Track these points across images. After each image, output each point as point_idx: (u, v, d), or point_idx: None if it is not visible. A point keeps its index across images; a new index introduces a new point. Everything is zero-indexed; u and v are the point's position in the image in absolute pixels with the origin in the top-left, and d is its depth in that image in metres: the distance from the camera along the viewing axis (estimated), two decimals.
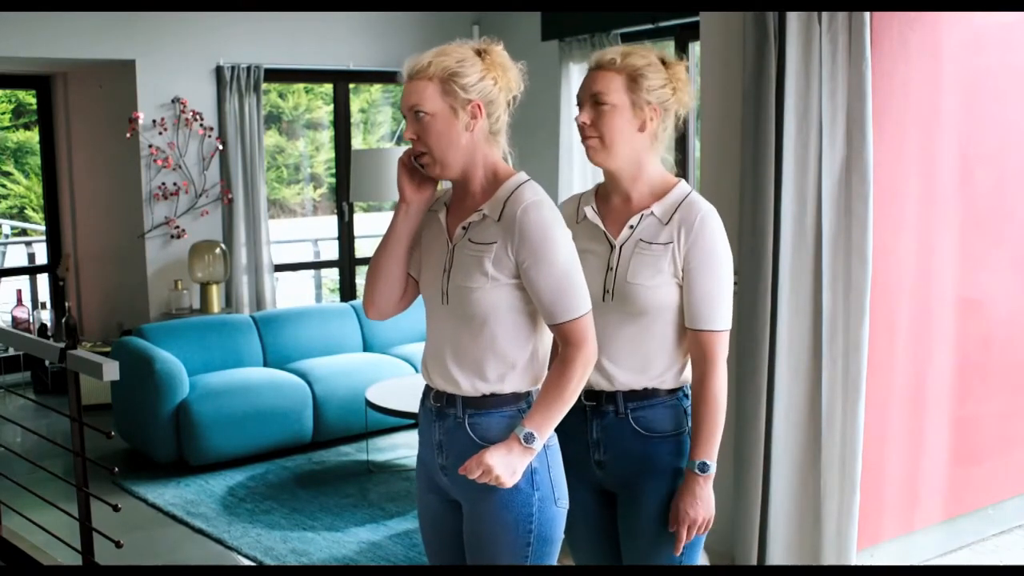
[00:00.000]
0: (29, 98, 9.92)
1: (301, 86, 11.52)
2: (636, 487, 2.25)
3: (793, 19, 3.30)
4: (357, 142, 9.31)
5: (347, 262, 7.47)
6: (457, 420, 2.13)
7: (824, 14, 3.25)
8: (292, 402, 5.34)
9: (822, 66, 3.27)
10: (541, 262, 2.03)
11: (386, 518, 4.47)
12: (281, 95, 12.06)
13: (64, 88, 7.06)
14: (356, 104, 10.26)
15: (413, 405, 4.20)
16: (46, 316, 7.19)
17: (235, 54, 6.48)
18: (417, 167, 2.13)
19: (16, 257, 9.94)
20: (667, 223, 2.19)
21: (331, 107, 7.47)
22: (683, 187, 2.25)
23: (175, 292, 6.40)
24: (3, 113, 11.40)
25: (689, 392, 2.26)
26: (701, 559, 3.51)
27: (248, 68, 6.48)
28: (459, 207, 2.16)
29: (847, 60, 3.24)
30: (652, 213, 2.21)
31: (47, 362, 6.59)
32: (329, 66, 6.94)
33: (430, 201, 2.18)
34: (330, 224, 7.80)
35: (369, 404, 4.95)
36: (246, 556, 4.10)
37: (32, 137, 10.01)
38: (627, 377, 2.23)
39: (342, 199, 7.27)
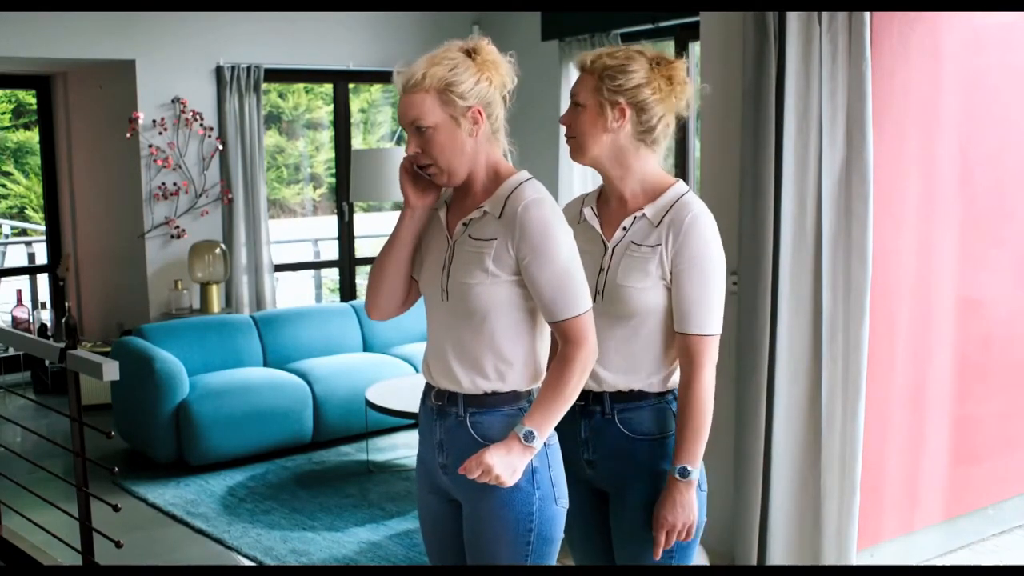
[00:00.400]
0: (29, 98, 9.92)
1: (301, 86, 11.53)
2: (623, 488, 2.26)
3: (793, 19, 3.30)
4: (357, 142, 9.31)
5: (347, 262, 7.47)
6: (458, 418, 2.13)
7: (824, 14, 3.25)
8: (292, 402, 5.34)
9: (822, 66, 3.27)
10: (542, 259, 2.03)
11: (386, 518, 4.47)
12: (281, 95, 12.06)
13: (64, 88, 7.06)
14: (356, 104, 10.26)
15: (413, 405, 4.20)
16: (46, 316, 7.19)
17: (235, 54, 6.48)
18: (419, 172, 2.13)
19: (16, 257, 9.93)
20: (657, 225, 2.18)
21: (331, 107, 7.47)
22: (678, 188, 2.23)
23: (175, 292, 6.40)
24: (3, 113, 11.40)
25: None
26: (701, 559, 3.51)
27: (248, 68, 6.48)
28: (460, 204, 2.16)
29: (847, 60, 3.24)
30: (644, 215, 2.21)
31: (47, 362, 6.59)
32: (329, 66, 6.94)
33: (434, 204, 2.18)
34: (330, 224, 7.80)
35: (369, 404, 4.95)
36: (246, 556, 4.10)
37: (32, 137, 10.02)
38: (614, 379, 2.22)
39: (342, 199, 7.27)
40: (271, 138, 11.98)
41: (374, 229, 9.30)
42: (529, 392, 2.13)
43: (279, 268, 7.05)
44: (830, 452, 3.39)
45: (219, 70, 6.44)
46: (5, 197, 11.76)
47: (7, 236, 11.01)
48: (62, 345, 2.83)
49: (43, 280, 7.77)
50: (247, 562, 4.06)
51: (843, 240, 3.31)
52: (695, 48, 5.41)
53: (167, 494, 4.81)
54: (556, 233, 2.04)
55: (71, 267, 7.18)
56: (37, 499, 3.07)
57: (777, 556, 3.52)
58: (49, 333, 7.05)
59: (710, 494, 2.34)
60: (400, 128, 2.16)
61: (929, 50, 3.63)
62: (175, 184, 6.39)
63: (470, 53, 2.08)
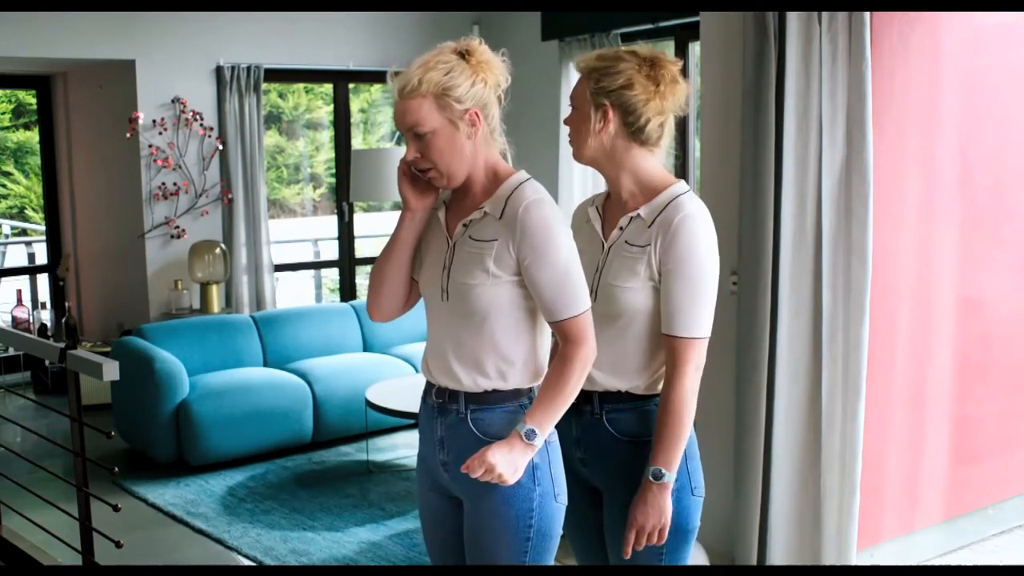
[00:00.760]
0: (29, 98, 9.92)
1: (301, 86, 11.53)
2: (612, 488, 2.26)
3: (793, 19, 3.30)
4: (357, 142, 9.31)
5: (347, 262, 7.47)
6: (459, 416, 2.13)
7: (824, 14, 3.25)
8: (292, 402, 5.34)
9: (822, 66, 3.27)
10: (542, 259, 2.03)
11: (386, 518, 4.47)
12: (281, 95, 12.06)
13: (64, 88, 7.06)
14: (356, 104, 10.26)
15: (413, 405, 4.20)
16: (46, 316, 7.19)
17: (235, 54, 6.48)
18: (417, 174, 2.13)
19: (16, 257, 9.93)
20: (650, 225, 2.18)
21: (331, 107, 7.47)
22: (675, 189, 2.22)
23: (175, 292, 6.40)
24: (3, 113, 11.40)
25: None
26: (701, 559, 3.51)
27: (248, 68, 6.48)
28: (459, 205, 2.16)
29: (847, 60, 3.24)
30: (639, 215, 2.21)
31: (47, 362, 6.59)
32: (329, 66, 6.94)
33: (433, 205, 2.18)
34: (330, 224, 7.80)
35: (369, 404, 4.95)
36: (246, 556, 4.10)
37: (32, 137, 10.02)
38: (603, 379, 2.22)
39: (342, 199, 7.27)
40: (271, 138, 11.97)
41: (374, 229, 9.31)
42: (530, 390, 2.14)
43: (279, 268, 7.05)
44: (830, 452, 3.39)
45: (219, 70, 6.44)
46: (5, 197, 11.76)
47: (7, 236, 11.01)
48: (62, 345, 2.83)
49: (43, 280, 7.77)
50: (247, 562, 4.06)
51: (843, 240, 3.31)
52: (695, 48, 5.41)
53: (167, 494, 4.81)
54: (556, 234, 2.05)
55: (71, 267, 7.18)
56: (37, 499, 3.07)
57: (777, 556, 3.52)
58: (49, 333, 7.05)
59: (709, 494, 2.33)
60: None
61: (929, 50, 3.63)
62: (175, 184, 6.39)
63: (463, 55, 2.07)
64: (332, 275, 8.92)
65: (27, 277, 8.06)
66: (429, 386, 2.22)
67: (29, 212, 11.78)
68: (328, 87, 7.70)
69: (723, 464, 3.61)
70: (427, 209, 2.17)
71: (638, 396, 2.23)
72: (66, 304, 6.92)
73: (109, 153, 6.62)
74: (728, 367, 3.58)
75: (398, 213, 2.20)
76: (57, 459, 4.92)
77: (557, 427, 2.15)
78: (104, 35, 6.06)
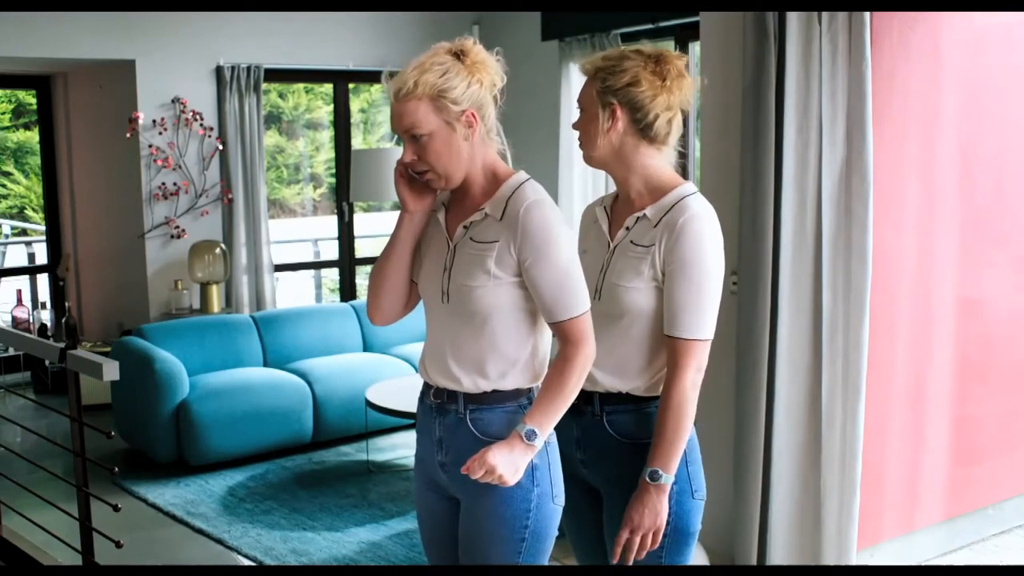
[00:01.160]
0: (29, 98, 9.92)
1: (301, 86, 11.52)
2: (612, 489, 2.25)
3: (793, 19, 3.30)
4: (357, 142, 9.32)
5: (347, 262, 7.47)
6: (459, 416, 2.13)
7: (824, 14, 3.25)
8: (292, 402, 5.34)
9: (822, 66, 3.27)
10: (543, 260, 2.03)
11: (386, 518, 4.47)
12: (281, 95, 12.06)
13: (64, 88, 7.06)
14: (356, 104, 10.25)
15: (413, 405, 4.17)
16: (46, 316, 7.19)
17: (235, 54, 6.48)
18: (415, 176, 2.13)
19: (16, 257, 9.93)
20: (656, 225, 2.17)
21: (331, 107, 7.47)
22: (682, 189, 2.21)
23: (175, 292, 6.40)
24: (3, 113, 11.39)
25: None
26: (701, 559, 3.51)
27: (248, 68, 6.48)
28: (458, 207, 2.16)
29: (847, 60, 3.24)
30: (645, 215, 2.20)
31: (47, 362, 6.59)
32: (329, 66, 6.94)
33: (432, 206, 2.18)
34: (330, 224, 7.80)
35: (369, 404, 4.95)
36: (246, 556, 4.10)
37: (32, 137, 10.02)
38: (604, 379, 2.22)
39: (342, 199, 7.27)
40: (271, 138, 11.97)
41: (374, 229, 9.31)
42: (530, 390, 2.13)
43: (279, 268, 7.05)
44: (830, 452, 3.39)
45: (219, 70, 6.44)
46: (5, 197, 11.75)
47: (7, 236, 11.01)
48: (62, 345, 2.83)
49: (43, 280, 7.77)
50: (247, 562, 4.06)
51: (843, 240, 3.31)
52: (695, 48, 5.41)
53: (167, 494, 4.81)
54: (557, 235, 2.05)
55: (71, 267, 7.17)
56: (37, 499, 3.06)
57: (777, 556, 3.52)
58: (49, 333, 7.05)
59: (709, 494, 2.33)
60: None
61: (929, 50, 3.63)
62: (175, 184, 6.39)
63: (458, 55, 2.06)
64: (332, 275, 8.92)
65: (27, 277, 8.06)
66: (427, 386, 2.22)
67: (29, 212, 11.78)
68: (328, 87, 7.70)
69: (723, 464, 3.61)
70: (425, 211, 2.17)
71: (638, 398, 2.23)
72: (66, 304, 6.91)
73: (109, 153, 6.62)
74: (728, 367, 3.58)
75: (398, 213, 2.20)
76: (57, 459, 4.92)
77: (558, 428, 2.15)
78: (104, 35, 6.06)
